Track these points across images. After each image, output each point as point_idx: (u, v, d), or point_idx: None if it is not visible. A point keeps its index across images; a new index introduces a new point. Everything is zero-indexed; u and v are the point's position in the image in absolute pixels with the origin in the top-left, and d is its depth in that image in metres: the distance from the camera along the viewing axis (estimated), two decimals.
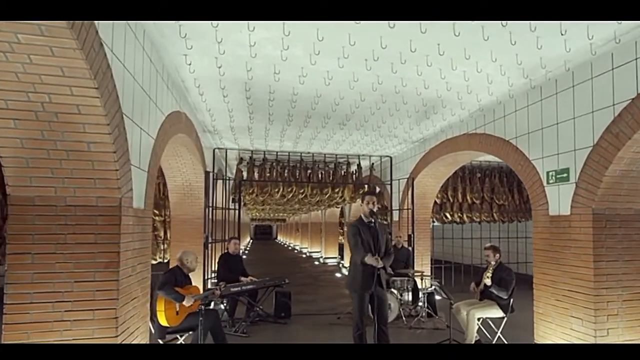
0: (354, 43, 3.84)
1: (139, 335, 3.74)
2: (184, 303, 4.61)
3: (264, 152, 9.54)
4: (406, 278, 6.95)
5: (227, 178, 9.77)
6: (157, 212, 9.40)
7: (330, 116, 6.29)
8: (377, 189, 10.30)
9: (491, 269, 5.01)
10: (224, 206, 9.73)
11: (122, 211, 3.20)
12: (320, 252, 20.35)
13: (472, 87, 4.99)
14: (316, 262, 18.67)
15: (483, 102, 5.55)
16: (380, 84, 4.86)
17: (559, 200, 4.47)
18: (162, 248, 9.46)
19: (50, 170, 3.00)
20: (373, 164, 10.23)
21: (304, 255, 22.97)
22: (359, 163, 10.12)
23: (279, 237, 52.08)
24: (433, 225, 10.88)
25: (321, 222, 19.94)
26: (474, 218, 10.33)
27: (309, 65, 4.39)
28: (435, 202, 10.11)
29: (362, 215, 4.46)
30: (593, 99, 4.08)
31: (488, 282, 4.93)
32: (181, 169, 7.83)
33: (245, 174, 9.84)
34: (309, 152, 9.53)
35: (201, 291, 5.30)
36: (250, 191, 9.83)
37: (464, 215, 10.21)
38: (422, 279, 6.80)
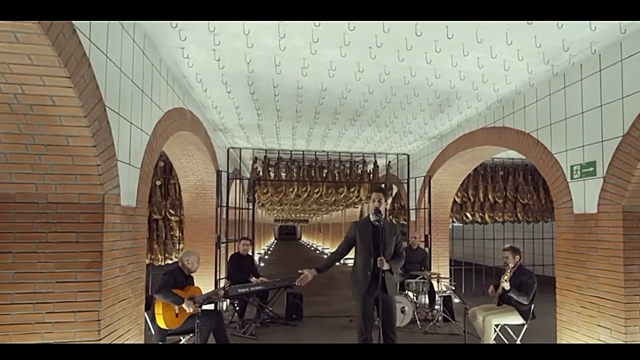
0: (354, 28, 3.55)
1: (131, 338, 3.56)
2: (183, 306, 4.43)
3: (278, 151, 9.34)
4: (421, 280, 6.58)
5: (241, 178, 9.62)
6: (172, 211, 9.36)
7: (340, 111, 6.01)
8: (394, 188, 9.93)
9: (509, 271, 4.59)
10: (240, 206, 9.60)
11: (106, 208, 3.02)
12: None
13: (488, 76, 4.60)
14: (337, 264, 18.35)
15: (501, 93, 5.13)
16: (387, 74, 4.54)
17: (585, 196, 4.03)
18: (177, 248, 9.43)
19: (30, 166, 2.85)
20: (390, 162, 9.87)
21: (325, 256, 22.72)
22: (375, 161, 9.78)
23: (302, 238, 52.07)
24: (453, 226, 10.40)
25: (341, 222, 19.64)
26: (497, 218, 9.79)
27: (310, 56, 4.13)
28: (455, 201, 9.64)
29: (370, 214, 4.15)
30: (623, 84, 3.64)
31: (506, 285, 4.52)
32: (193, 168, 7.73)
33: (261, 174, 9.67)
34: (323, 151, 9.27)
35: (204, 292, 5.11)
36: (265, 191, 9.65)
37: (486, 215, 9.69)
38: (438, 282, 6.41)
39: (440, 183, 8.01)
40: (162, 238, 9.41)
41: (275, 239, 51.18)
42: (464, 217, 9.78)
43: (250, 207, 9.39)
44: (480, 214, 9.72)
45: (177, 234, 9.46)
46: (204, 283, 7.96)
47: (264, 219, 28.46)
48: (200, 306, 4.28)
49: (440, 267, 8.12)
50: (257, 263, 16.27)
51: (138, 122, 3.68)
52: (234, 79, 4.87)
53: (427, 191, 7.90)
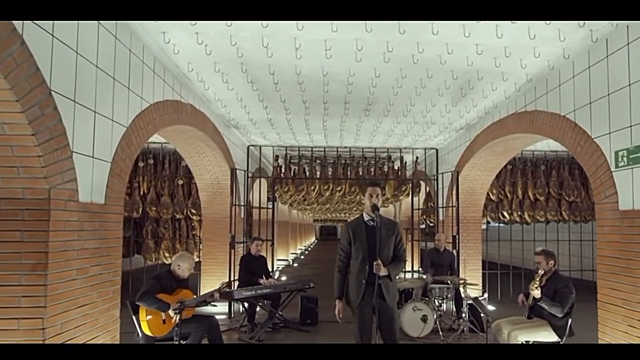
0: None
1: None
2: (169, 312, 4.05)
3: (298, 148, 8.91)
4: (446, 286, 5.87)
5: (260, 176, 9.28)
6: (194, 211, 9.21)
7: (349, 100, 5.45)
8: (423, 185, 9.18)
9: (538, 278, 3.82)
10: (263, 205, 9.28)
11: (53, 204, 2.69)
12: None
13: (511, 49, 3.88)
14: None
15: (530, 70, 4.36)
16: (391, 52, 3.94)
17: (633, 189, 3.23)
18: (199, 247, 9.26)
19: None
20: (417, 157, 9.15)
21: None
22: (402, 157, 9.09)
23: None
24: (488, 226, 9.46)
25: None
26: (538, 217, 8.77)
27: (299, 33, 3.63)
28: (491, 199, 8.75)
29: (364, 212, 3.58)
30: None
31: (536, 293, 3.75)
32: (207, 167, 7.46)
33: (283, 172, 9.30)
34: (345, 147, 8.73)
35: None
36: (286, 189, 9.26)
37: (525, 214, 8.70)
38: (464, 287, 5.68)
39: (470, 179, 7.22)
40: (184, 237, 9.27)
41: (316, 239, 51.21)
42: (501, 217, 8.85)
43: (272, 205, 9.04)
44: (519, 213, 8.75)
45: (199, 234, 9.29)
46: (217, 285, 7.68)
47: (301, 218, 28.24)
48: (181, 313, 3.88)
49: (471, 271, 7.31)
50: (283, 264, 16.01)
51: (107, 111, 3.35)
52: (227, 66, 4.48)
53: (454, 188, 7.14)
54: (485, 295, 7.33)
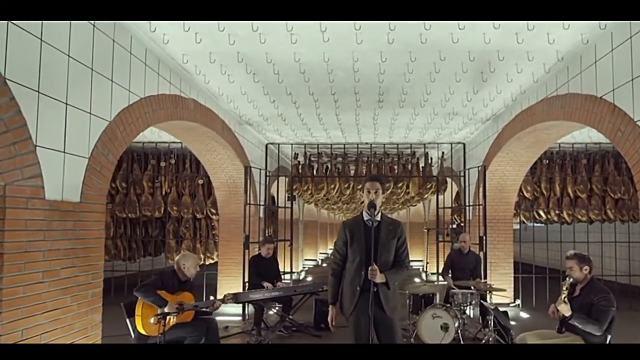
0: None
1: None
2: (165, 309, 3.81)
3: (317, 145, 8.55)
4: (469, 291, 5.31)
5: (278, 175, 9.00)
6: (214, 210, 9.07)
7: (358, 90, 5.03)
8: (449, 183, 8.56)
9: (566, 287, 3.22)
10: (284, 205, 9.00)
11: (10, 202, 2.48)
12: None
13: (534, 21, 3.32)
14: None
15: (560, 46, 3.76)
16: (393, 31, 3.49)
17: None
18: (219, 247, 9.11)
19: None
20: (443, 153, 8.54)
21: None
22: (426, 153, 8.52)
23: None
24: (525, 226, 8.66)
25: (407, 222, 18.24)
26: (579, 216, 7.91)
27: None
28: (525, 196, 7.99)
29: (364, 211, 3.15)
30: None
31: (565, 310, 3.15)
32: (221, 165, 7.26)
33: (301, 170, 8.97)
34: (366, 143, 8.27)
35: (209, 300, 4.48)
36: (305, 188, 8.91)
37: (564, 213, 7.87)
38: (489, 293, 5.09)
39: (499, 174, 6.57)
40: (205, 237, 9.15)
41: None
42: (536, 216, 8.07)
43: (290, 205, 8.73)
44: (557, 212, 7.93)
45: (219, 233, 9.15)
46: (234, 285, 7.47)
47: (332, 218, 27.86)
48: (173, 314, 3.61)
49: (501, 275, 6.65)
50: (311, 264, 15.61)
51: (83, 104, 3.12)
52: (223, 57, 4.21)
53: (482, 184, 6.52)
54: (517, 301, 6.66)
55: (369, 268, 2.87)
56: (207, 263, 8.94)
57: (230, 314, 7.06)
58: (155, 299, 3.75)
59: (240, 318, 6.86)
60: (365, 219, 3.07)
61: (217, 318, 6.94)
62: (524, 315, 6.59)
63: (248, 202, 7.27)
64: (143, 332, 3.81)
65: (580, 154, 8.04)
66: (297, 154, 9.04)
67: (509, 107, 5.56)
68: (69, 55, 2.97)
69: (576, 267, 3.36)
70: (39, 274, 2.70)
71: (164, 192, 8.87)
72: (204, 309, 4.19)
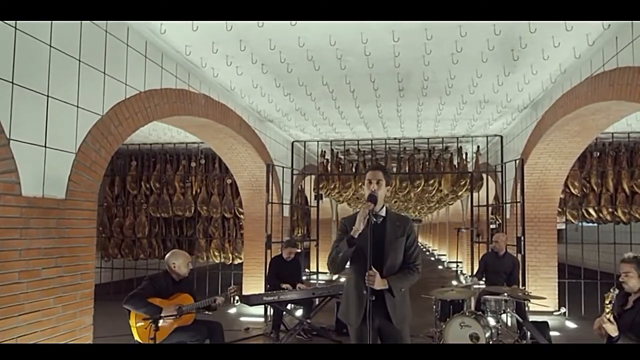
0: None
1: None
2: (162, 315, 3.56)
3: (344, 142, 8.14)
4: (504, 298, 4.69)
5: (303, 173, 8.68)
6: (241, 210, 8.91)
7: (374, 78, 4.58)
8: (485, 178, 7.84)
9: (610, 298, 2.60)
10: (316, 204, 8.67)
11: None
12: (445, 255, 17.76)
13: None
14: (440, 267, 16.18)
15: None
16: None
17: None
18: None
19: None
20: (479, 147, 7.83)
21: (432, 258, 20.45)
22: (460, 147, 7.86)
23: (419, 238, 49.37)
24: (581, 225, 7.72)
25: (446, 221, 17.34)
26: (637, 215, 6.93)
27: None
28: (572, 193, 7.13)
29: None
30: None
31: (611, 330, 2.54)
32: (242, 164, 7.06)
33: (329, 168, 8.61)
34: (395, 138, 7.76)
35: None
36: (332, 186, 8.53)
37: (619, 211, 6.92)
38: (526, 302, 4.46)
39: (539, 169, 5.84)
40: (233, 237, 9.02)
41: None
42: (585, 214, 7.17)
43: (317, 203, 8.38)
44: (610, 210, 6.99)
45: (244, 233, 9.00)
46: (257, 286, 7.23)
47: None
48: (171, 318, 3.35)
49: (543, 280, 5.91)
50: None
51: (68, 97, 2.94)
52: (225, 47, 3.94)
53: (520, 180, 5.82)
54: (562, 309, 5.89)
55: (367, 273, 2.44)
56: (235, 262, 8.81)
57: (253, 314, 6.84)
58: (148, 309, 3.41)
59: (262, 319, 6.60)
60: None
61: (241, 319, 6.83)
62: (571, 325, 5.80)
63: (270, 200, 7.01)
64: (141, 342, 3.58)
65: (638, 145, 7.05)
66: (324, 152, 8.69)
67: (549, 92, 4.88)
68: (50, 46, 2.79)
69: (634, 274, 2.72)
70: (15, 274, 2.52)
71: (194, 192, 8.84)
72: (205, 309, 3.89)
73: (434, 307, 5.03)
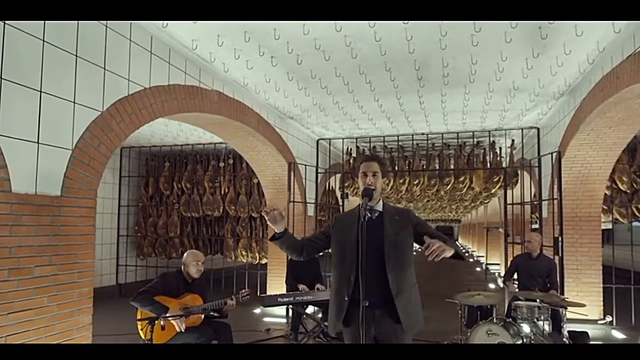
0: None
1: None
2: (168, 318, 3.45)
3: (369, 138, 7.81)
4: (536, 304, 4.20)
5: (328, 171, 8.42)
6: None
7: (389, 67, 4.26)
8: (520, 174, 7.22)
9: None
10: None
11: None
12: (484, 256, 16.82)
13: None
14: (478, 269, 15.35)
15: None
16: None
17: None
18: None
19: None
20: (513, 140, 7.23)
21: (471, 260, 19.50)
22: (492, 141, 7.29)
23: (459, 239, 47.47)
24: (614, 225, 6.96)
25: (484, 221, 16.45)
26: None
27: None
28: (620, 189, 6.39)
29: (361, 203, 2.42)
30: None
31: None
32: (264, 162, 6.93)
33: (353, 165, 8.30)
34: (422, 133, 7.34)
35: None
36: (357, 185, 8.20)
37: None
38: (563, 309, 3.95)
39: (579, 162, 5.24)
40: (260, 236, 8.93)
41: None
42: (636, 212, 6.39)
43: (342, 202, 8.10)
44: None
45: (269, 232, 8.88)
46: (280, 285, 7.05)
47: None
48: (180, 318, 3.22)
49: (586, 285, 5.29)
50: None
51: (64, 92, 2.88)
52: (230, 39, 3.78)
53: (557, 174, 5.25)
54: (608, 318, 5.25)
55: (429, 246, 2.03)
56: (262, 262, 8.70)
57: (276, 315, 6.67)
58: (154, 308, 3.36)
59: (285, 320, 6.42)
60: (362, 211, 2.35)
61: (264, 319, 6.69)
62: (618, 335, 5.14)
63: (292, 199, 6.82)
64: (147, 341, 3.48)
65: None
66: (350, 149, 8.40)
67: (587, 75, 4.32)
68: (44, 41, 2.73)
69: None
70: (4, 272, 2.47)
71: (222, 192, 8.85)
72: (216, 312, 3.76)
73: (459, 312, 4.63)
